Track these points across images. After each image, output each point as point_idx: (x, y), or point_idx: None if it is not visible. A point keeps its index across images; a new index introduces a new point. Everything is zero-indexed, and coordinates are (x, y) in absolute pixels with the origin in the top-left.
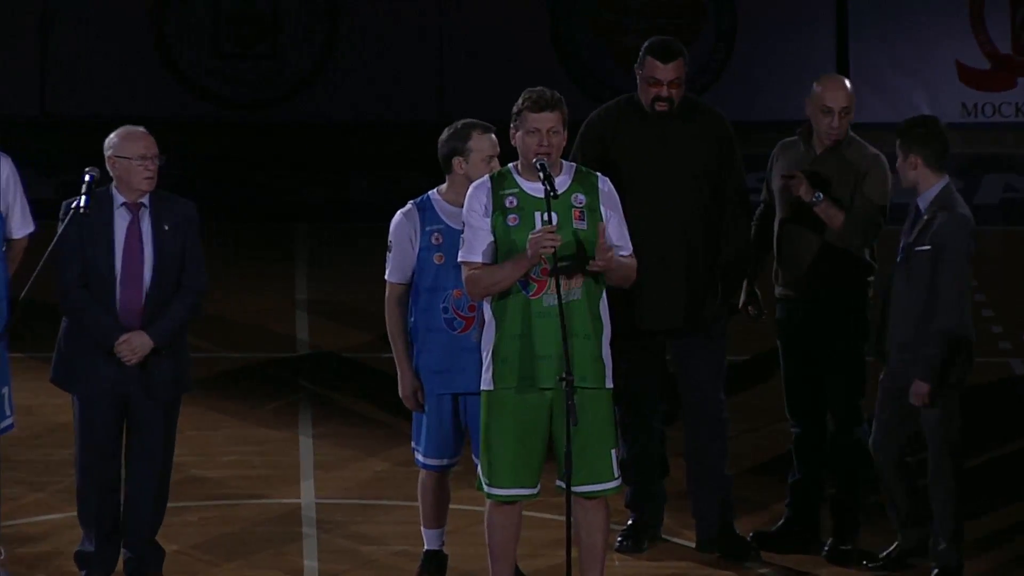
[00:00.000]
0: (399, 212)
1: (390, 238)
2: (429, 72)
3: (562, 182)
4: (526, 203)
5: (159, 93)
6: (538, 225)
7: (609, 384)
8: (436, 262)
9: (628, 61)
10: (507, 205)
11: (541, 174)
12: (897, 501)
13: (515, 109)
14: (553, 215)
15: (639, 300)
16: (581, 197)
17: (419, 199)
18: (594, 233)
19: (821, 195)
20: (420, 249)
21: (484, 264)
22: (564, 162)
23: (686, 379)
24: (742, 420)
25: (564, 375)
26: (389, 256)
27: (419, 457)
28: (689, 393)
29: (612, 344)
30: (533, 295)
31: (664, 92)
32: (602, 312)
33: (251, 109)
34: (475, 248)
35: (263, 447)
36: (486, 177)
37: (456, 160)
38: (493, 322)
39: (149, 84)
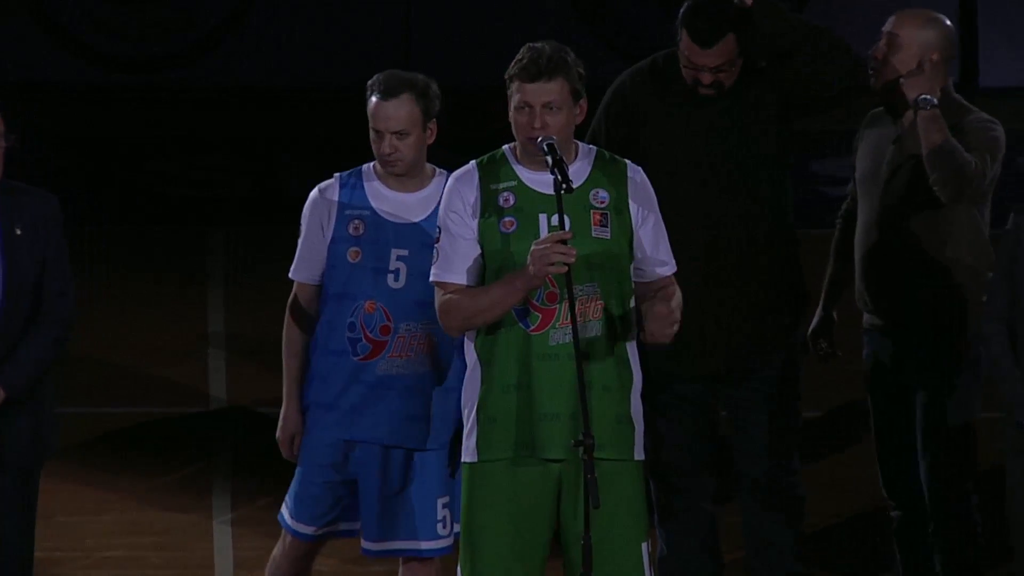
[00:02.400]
0: (316, 187)
1: (301, 221)
2: (392, 19)
3: (577, 172)
4: (527, 201)
5: (27, 52)
6: (544, 232)
7: (639, 454)
8: (350, 259)
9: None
10: (501, 204)
11: (549, 159)
12: None
13: (507, 74)
14: (567, 218)
15: (678, 334)
16: (603, 194)
17: (348, 172)
18: (620, 244)
19: (934, 100)
20: (332, 239)
21: (465, 286)
22: (581, 144)
23: (745, 443)
24: (819, 498)
25: (580, 438)
26: (298, 245)
27: (284, 515)
28: (749, 462)
29: (643, 397)
30: (535, 330)
31: (706, 79)
32: (631, 355)
33: (147, 71)
34: (453, 263)
35: (162, 538)
36: (471, 165)
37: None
38: (478, 367)
39: (15, 41)
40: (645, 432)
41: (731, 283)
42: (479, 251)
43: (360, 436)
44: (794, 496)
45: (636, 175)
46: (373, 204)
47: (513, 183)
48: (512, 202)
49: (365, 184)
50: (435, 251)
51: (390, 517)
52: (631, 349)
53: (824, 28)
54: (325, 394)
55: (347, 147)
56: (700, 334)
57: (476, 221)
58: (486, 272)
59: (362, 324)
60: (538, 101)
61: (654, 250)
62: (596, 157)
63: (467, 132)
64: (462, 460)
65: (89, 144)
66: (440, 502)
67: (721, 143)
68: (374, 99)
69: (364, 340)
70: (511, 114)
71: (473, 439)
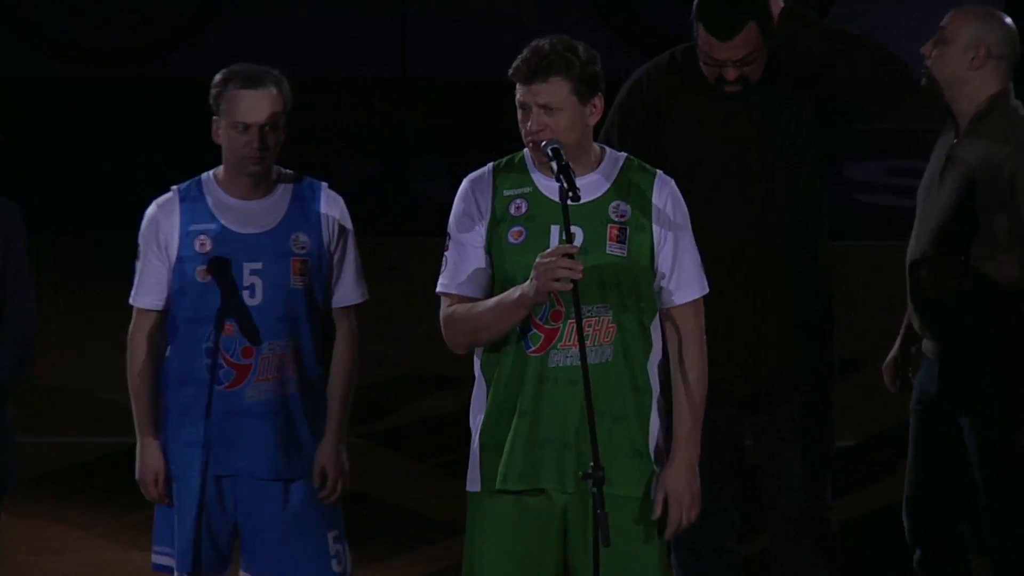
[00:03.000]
0: (153, 203)
1: (139, 241)
2: (390, 11)
3: (598, 181)
4: (540, 210)
5: None
6: (554, 244)
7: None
8: (200, 279)
9: None
10: (512, 212)
11: (554, 165)
12: None
13: (510, 71)
14: (577, 230)
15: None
16: (624, 207)
17: (185, 184)
18: (638, 263)
19: None
20: (177, 259)
21: (471, 298)
22: (609, 150)
23: (774, 475)
24: (856, 533)
25: (589, 470)
26: (135, 268)
27: (158, 561)
28: (778, 495)
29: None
30: (535, 351)
31: (731, 74)
32: (652, 381)
33: (115, 64)
34: (458, 273)
35: None
36: (488, 168)
37: (214, 122)
38: (483, 388)
39: None
40: None
41: (760, 298)
42: (488, 260)
43: (234, 471)
44: (827, 532)
45: (665, 187)
46: (219, 217)
47: (528, 189)
48: (524, 210)
49: (207, 196)
50: (443, 259)
51: (278, 560)
52: (652, 377)
53: (863, 38)
54: (189, 430)
55: (333, 145)
56: (722, 354)
57: (485, 228)
58: (494, 284)
59: (220, 349)
60: (534, 102)
61: (671, 273)
62: (624, 166)
63: (474, 129)
64: (467, 488)
65: (52, 143)
66: (330, 536)
67: (749, 143)
68: (234, 91)
69: (226, 366)
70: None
71: (476, 467)
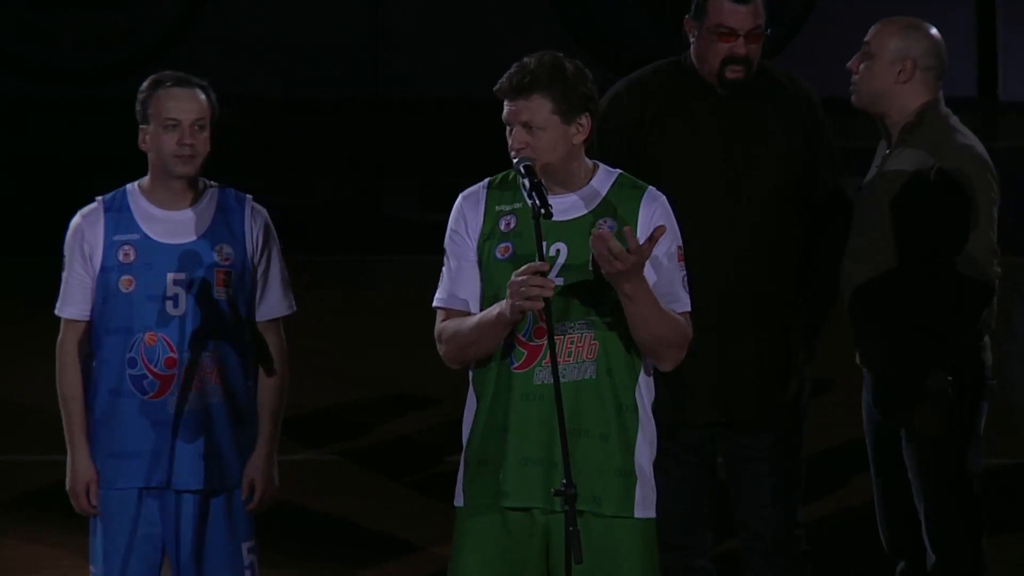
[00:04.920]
0: (78, 213)
1: (64, 251)
2: (359, 23)
3: (584, 198)
4: (529, 226)
5: None
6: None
7: (645, 511)
8: (123, 289)
9: (666, 10)
10: (502, 228)
11: (525, 183)
12: None
13: (496, 86)
14: (562, 247)
15: (679, 375)
16: (610, 222)
17: (110, 195)
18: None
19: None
20: (102, 269)
21: (462, 313)
22: (602, 166)
23: (748, 496)
24: (826, 552)
25: (560, 487)
26: (62, 279)
27: None
28: (752, 516)
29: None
30: (519, 367)
31: (741, 50)
32: (639, 399)
33: (84, 83)
34: (451, 288)
35: None
36: (482, 183)
37: (141, 131)
38: (473, 403)
39: None
40: None
41: (745, 316)
42: (481, 276)
43: (160, 483)
44: (799, 552)
45: (654, 203)
46: (142, 227)
47: (518, 205)
48: (512, 226)
49: (132, 206)
50: (441, 275)
51: (197, 571)
52: (639, 395)
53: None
54: (114, 441)
55: (312, 164)
56: (706, 379)
57: (476, 244)
58: (483, 301)
59: (144, 359)
60: (516, 120)
61: (657, 287)
62: (616, 182)
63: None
64: (454, 503)
65: (13, 165)
66: (245, 547)
67: (740, 157)
68: (164, 91)
69: (150, 376)
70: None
71: (462, 482)
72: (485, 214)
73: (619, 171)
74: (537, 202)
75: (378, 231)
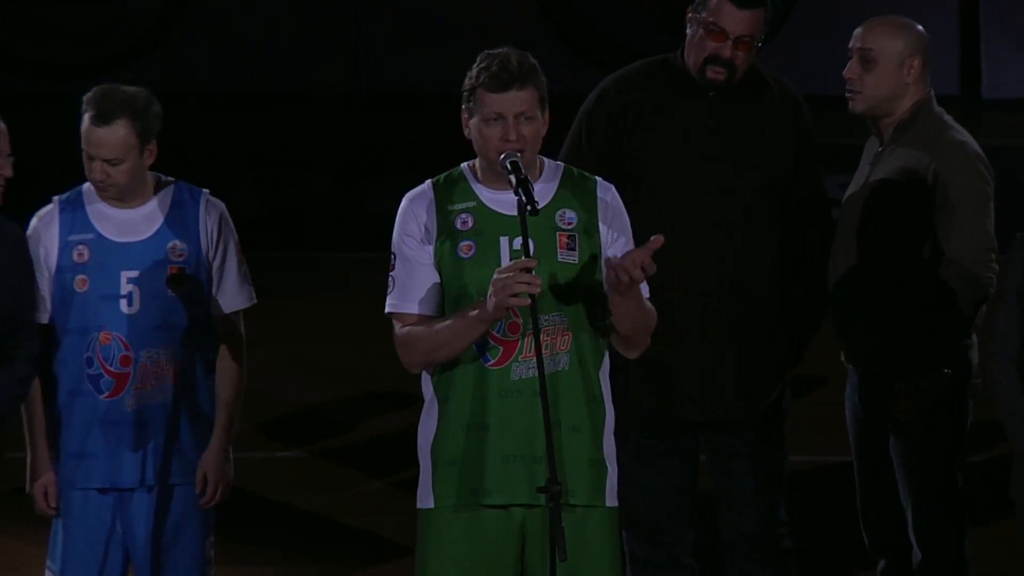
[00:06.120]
0: (35, 215)
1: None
2: (342, 23)
3: (544, 191)
4: (487, 224)
5: None
6: (505, 258)
7: (611, 500)
8: (78, 289)
9: (657, 9)
10: (458, 226)
11: (513, 179)
12: None
13: (466, 84)
14: (531, 240)
15: (664, 373)
16: (570, 215)
17: (66, 195)
18: (590, 269)
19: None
20: (57, 269)
21: (424, 316)
22: (547, 161)
23: (732, 494)
24: (809, 550)
25: (546, 484)
26: None
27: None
28: (736, 514)
29: (619, 439)
30: (495, 364)
31: (727, 52)
32: (603, 390)
33: (69, 79)
34: (409, 292)
35: None
36: (426, 184)
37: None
38: (434, 404)
39: None
40: (625, 479)
41: (728, 315)
42: (437, 278)
43: (119, 482)
44: (783, 549)
45: (607, 194)
46: (96, 226)
47: (472, 203)
48: (471, 224)
49: (86, 206)
50: (390, 279)
51: (157, 567)
52: (604, 385)
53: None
54: (72, 441)
55: (290, 160)
56: (689, 373)
57: (432, 245)
58: (445, 300)
59: (99, 357)
60: (512, 111)
61: None
62: (564, 174)
63: (423, 144)
64: (417, 506)
65: None
66: (207, 543)
67: (724, 156)
68: (87, 122)
69: (106, 375)
70: (474, 127)
71: (429, 484)
72: (437, 214)
73: (561, 164)
74: (523, 198)
75: (361, 227)
